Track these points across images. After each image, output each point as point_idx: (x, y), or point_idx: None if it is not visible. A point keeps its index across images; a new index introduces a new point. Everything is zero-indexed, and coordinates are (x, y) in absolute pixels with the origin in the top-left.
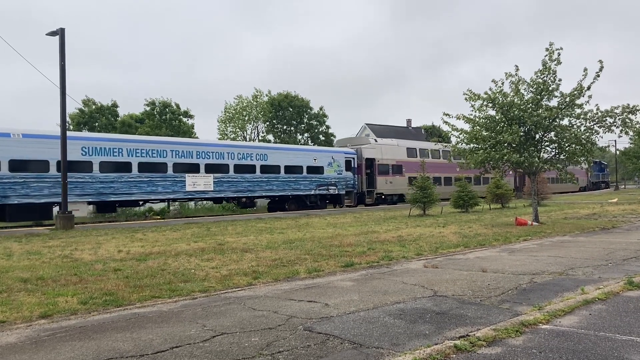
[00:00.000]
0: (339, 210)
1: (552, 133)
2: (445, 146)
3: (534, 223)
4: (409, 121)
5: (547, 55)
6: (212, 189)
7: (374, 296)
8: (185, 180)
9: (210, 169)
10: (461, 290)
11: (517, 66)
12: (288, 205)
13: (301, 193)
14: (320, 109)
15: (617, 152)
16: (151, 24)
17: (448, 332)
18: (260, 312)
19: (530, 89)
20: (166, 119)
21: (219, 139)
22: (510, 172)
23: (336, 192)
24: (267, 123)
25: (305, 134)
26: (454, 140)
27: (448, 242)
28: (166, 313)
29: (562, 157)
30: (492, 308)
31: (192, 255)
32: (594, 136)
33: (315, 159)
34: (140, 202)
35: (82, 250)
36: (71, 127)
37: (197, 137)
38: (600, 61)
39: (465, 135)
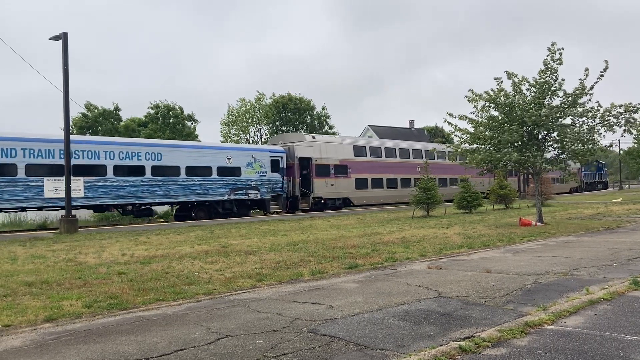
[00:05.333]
0: (342, 212)
1: (555, 133)
2: (447, 146)
3: (538, 223)
4: (411, 122)
5: (549, 55)
6: (82, 196)
7: (378, 298)
8: (43, 185)
9: (80, 170)
10: (465, 291)
11: (509, 72)
12: (195, 213)
13: (210, 199)
14: (323, 108)
15: (621, 152)
16: (119, 35)
17: (453, 333)
18: (265, 314)
19: (533, 89)
20: (169, 122)
21: (222, 141)
22: (487, 173)
23: (259, 197)
24: (270, 125)
25: None
26: (456, 140)
27: (452, 243)
28: (170, 316)
29: (563, 156)
30: (497, 309)
31: (196, 258)
32: (596, 135)
33: (229, 159)
34: None
35: (86, 254)
36: (74, 131)
37: (199, 140)
38: (606, 61)
39: (468, 135)
